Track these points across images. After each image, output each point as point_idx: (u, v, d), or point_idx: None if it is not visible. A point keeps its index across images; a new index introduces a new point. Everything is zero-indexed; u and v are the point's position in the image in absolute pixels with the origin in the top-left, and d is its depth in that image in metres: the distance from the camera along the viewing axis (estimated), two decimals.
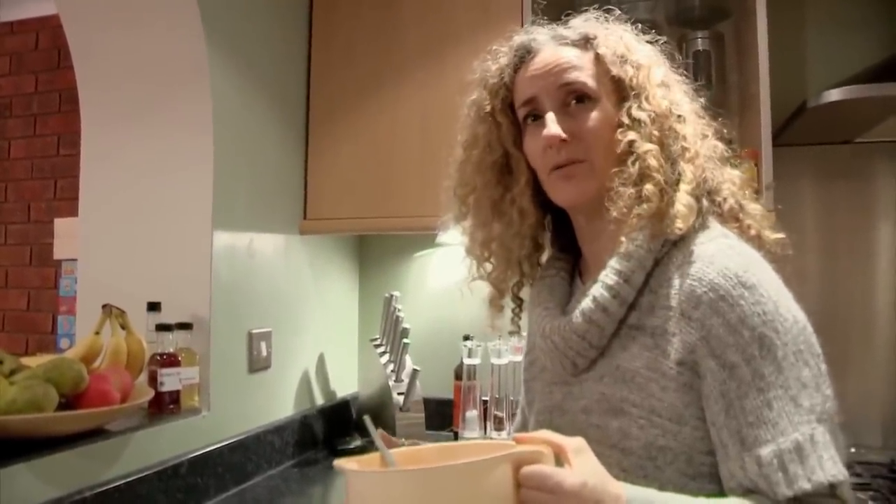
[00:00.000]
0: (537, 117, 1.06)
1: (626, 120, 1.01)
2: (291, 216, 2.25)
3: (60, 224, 3.44)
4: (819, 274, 2.24)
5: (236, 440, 1.89)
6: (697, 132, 1.03)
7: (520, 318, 1.21)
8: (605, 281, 0.99)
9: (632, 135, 0.99)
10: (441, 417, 2.40)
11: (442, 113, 2.10)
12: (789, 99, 2.00)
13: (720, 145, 1.07)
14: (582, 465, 0.78)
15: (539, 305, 1.11)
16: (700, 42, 2.20)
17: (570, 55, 1.05)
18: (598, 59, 1.04)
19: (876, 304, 2.23)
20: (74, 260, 2.38)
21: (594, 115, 1.02)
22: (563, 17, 1.13)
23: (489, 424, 2.26)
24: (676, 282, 0.95)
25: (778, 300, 0.90)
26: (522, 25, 2.02)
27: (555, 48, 1.06)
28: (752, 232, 1.05)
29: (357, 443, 2.27)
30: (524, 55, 1.08)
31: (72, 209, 1.97)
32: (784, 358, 0.86)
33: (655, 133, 0.99)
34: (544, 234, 1.19)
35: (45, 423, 1.36)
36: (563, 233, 1.17)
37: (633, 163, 0.98)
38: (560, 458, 0.79)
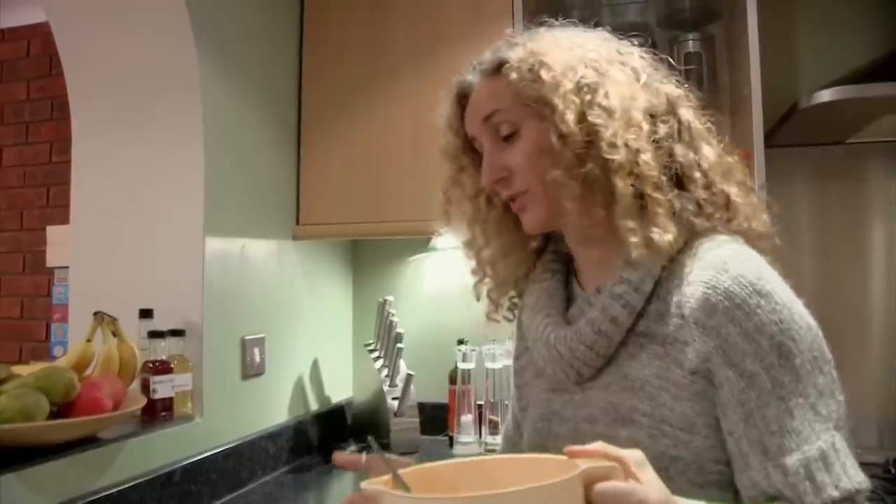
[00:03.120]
0: None
1: (546, 144, 0.98)
2: (284, 221, 2.24)
3: (53, 231, 3.43)
4: (813, 274, 2.24)
5: (230, 447, 1.88)
6: (622, 131, 0.95)
7: (516, 308, 1.21)
8: (613, 290, 0.98)
9: (554, 173, 0.97)
10: (436, 422, 2.40)
11: (434, 117, 2.10)
12: (781, 100, 2.00)
13: (689, 116, 1.02)
14: (652, 479, 0.73)
15: (539, 312, 1.08)
16: (691, 44, 2.20)
17: (489, 88, 1.04)
18: (510, 85, 1.01)
19: (870, 304, 2.22)
20: (67, 267, 2.38)
21: (520, 146, 1.01)
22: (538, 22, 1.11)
23: (484, 429, 2.25)
24: (688, 289, 0.93)
25: (791, 307, 0.89)
26: (514, 27, 2.02)
27: (479, 85, 1.06)
28: (730, 220, 1.01)
29: (352, 448, 2.26)
30: (463, 98, 1.09)
31: (65, 216, 1.97)
32: (801, 366, 0.86)
33: (567, 154, 0.96)
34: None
35: (35, 431, 1.36)
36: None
37: (552, 189, 0.99)
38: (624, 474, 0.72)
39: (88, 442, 1.48)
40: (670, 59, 1.08)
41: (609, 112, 0.95)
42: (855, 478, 0.83)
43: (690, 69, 2.15)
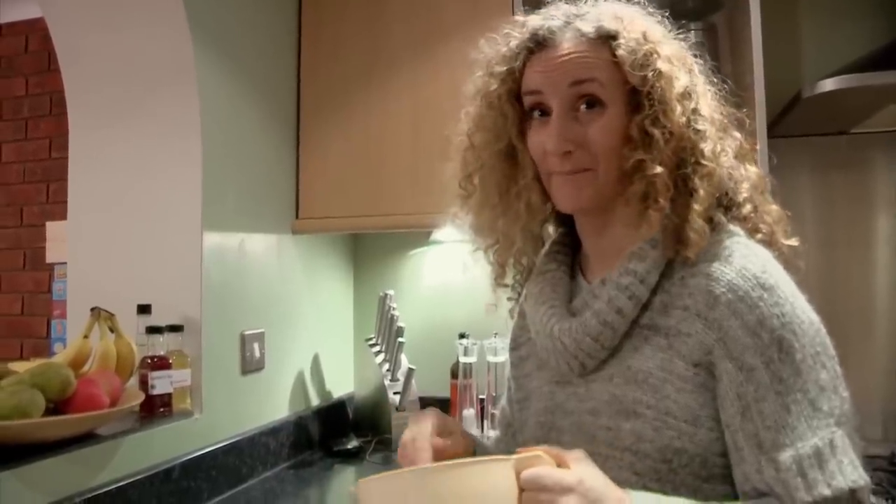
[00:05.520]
0: (544, 112, 1.00)
1: (636, 134, 0.94)
2: (283, 215, 2.23)
3: (52, 227, 3.42)
4: (817, 265, 2.22)
5: (230, 443, 1.87)
6: (717, 142, 0.96)
7: (522, 287, 1.17)
8: (619, 281, 0.96)
9: (641, 154, 0.94)
10: None
11: (433, 108, 2.09)
12: (784, 90, 1.98)
13: (738, 138, 1.03)
14: (581, 467, 0.79)
15: (543, 303, 1.06)
16: (693, 34, 2.17)
17: (585, 53, 0.96)
18: (616, 61, 0.95)
19: (875, 295, 2.21)
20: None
21: (603, 123, 0.95)
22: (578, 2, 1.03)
23: (486, 423, 2.24)
24: (692, 281, 0.93)
25: (794, 302, 0.88)
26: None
27: (571, 42, 0.97)
28: (766, 231, 1.01)
29: (354, 443, 2.24)
30: (536, 45, 1.00)
31: (65, 212, 1.95)
32: (802, 361, 0.85)
33: (668, 153, 0.93)
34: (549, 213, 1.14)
35: (31, 429, 1.35)
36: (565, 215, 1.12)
37: (640, 180, 0.94)
38: (560, 466, 0.80)
39: (86, 439, 1.47)
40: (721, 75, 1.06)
41: (707, 121, 0.96)
42: (850, 476, 0.81)
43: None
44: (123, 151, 1.88)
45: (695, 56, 1.03)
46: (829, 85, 1.76)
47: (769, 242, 1.01)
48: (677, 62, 0.96)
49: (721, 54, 2.22)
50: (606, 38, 0.96)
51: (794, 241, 1.03)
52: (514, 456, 0.79)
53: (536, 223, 1.11)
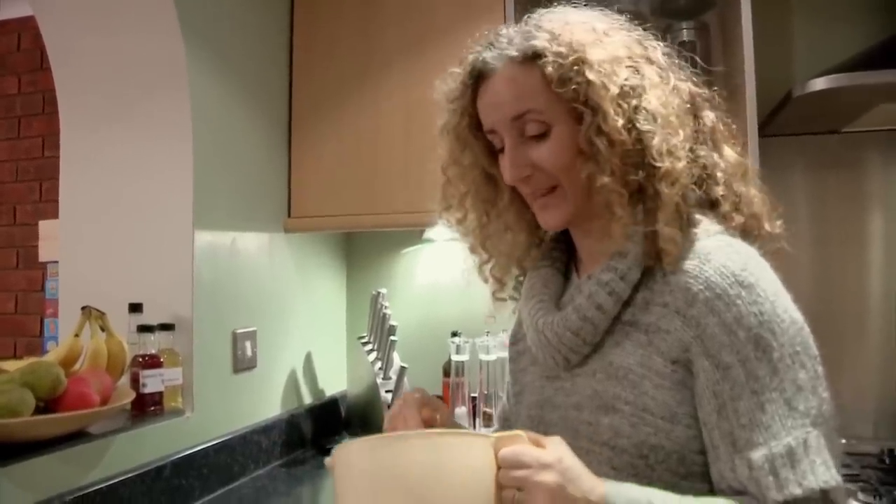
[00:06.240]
0: (502, 143, 1.01)
1: (585, 147, 0.94)
2: (275, 214, 2.23)
3: (45, 226, 3.41)
4: (810, 264, 2.22)
5: (221, 441, 1.87)
6: (667, 138, 0.93)
7: (522, 280, 1.18)
8: (600, 278, 0.97)
9: (590, 166, 0.94)
10: None
11: (425, 109, 2.05)
12: (776, 88, 1.98)
13: (712, 119, 1.02)
14: (558, 447, 0.82)
15: (532, 297, 1.08)
16: (685, 32, 2.18)
17: (518, 81, 0.96)
18: (546, 79, 0.94)
19: (868, 294, 2.21)
20: None
21: (549, 146, 0.96)
22: (525, 17, 1.03)
23: (478, 421, 2.24)
24: (673, 278, 0.93)
25: (775, 300, 0.88)
26: (505, 20, 2.01)
27: (503, 72, 0.98)
28: (744, 222, 1.01)
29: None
30: (477, 78, 1.01)
31: (57, 211, 1.95)
32: (780, 360, 0.85)
33: (616, 161, 0.92)
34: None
35: (21, 427, 1.35)
36: None
37: (597, 193, 0.95)
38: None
39: (77, 437, 1.47)
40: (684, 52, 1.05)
41: (654, 117, 0.93)
42: (822, 476, 0.81)
43: (684, 58, 2.13)
44: (115, 151, 1.88)
45: (652, 38, 1.03)
46: (819, 84, 1.76)
47: (756, 237, 1.01)
48: (610, 63, 0.94)
49: (713, 53, 2.23)
50: (534, 57, 0.96)
51: (778, 228, 1.03)
52: (495, 434, 0.81)
53: (524, 238, 1.12)
